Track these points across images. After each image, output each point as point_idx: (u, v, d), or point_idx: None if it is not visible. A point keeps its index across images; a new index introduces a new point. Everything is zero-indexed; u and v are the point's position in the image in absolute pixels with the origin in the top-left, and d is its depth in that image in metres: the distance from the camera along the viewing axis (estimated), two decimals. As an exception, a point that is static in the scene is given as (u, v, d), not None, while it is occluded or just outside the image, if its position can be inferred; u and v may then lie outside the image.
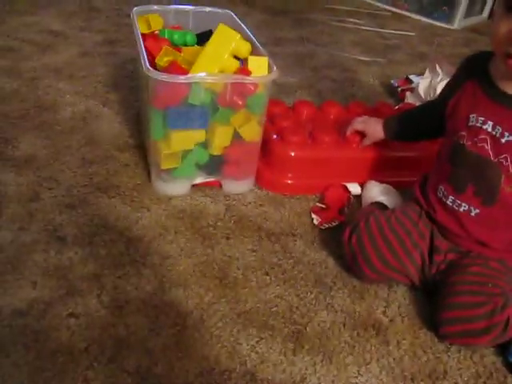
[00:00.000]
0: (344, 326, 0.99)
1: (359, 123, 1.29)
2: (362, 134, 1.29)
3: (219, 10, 1.48)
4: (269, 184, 1.30)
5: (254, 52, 1.22)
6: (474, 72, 1.01)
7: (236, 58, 1.17)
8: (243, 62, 1.18)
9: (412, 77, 1.85)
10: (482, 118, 0.97)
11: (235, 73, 1.15)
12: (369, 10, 2.84)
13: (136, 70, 1.60)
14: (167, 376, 0.86)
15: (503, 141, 0.94)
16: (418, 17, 2.82)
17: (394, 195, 1.23)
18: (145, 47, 1.19)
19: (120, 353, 0.89)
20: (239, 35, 1.16)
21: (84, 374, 0.85)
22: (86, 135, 1.43)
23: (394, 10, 2.89)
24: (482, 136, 0.97)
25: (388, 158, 1.29)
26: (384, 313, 1.03)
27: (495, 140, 0.95)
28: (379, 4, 2.95)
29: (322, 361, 0.92)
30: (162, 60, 1.20)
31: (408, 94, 1.75)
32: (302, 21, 2.52)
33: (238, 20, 1.40)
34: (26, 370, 0.85)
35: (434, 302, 1.01)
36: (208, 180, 1.27)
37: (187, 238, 1.13)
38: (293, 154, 1.26)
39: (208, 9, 1.49)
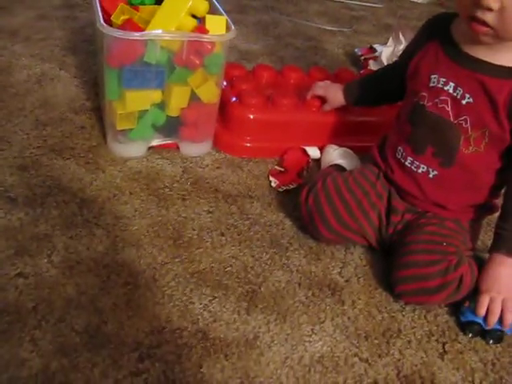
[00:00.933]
0: (299, 285, 0.98)
1: (320, 88, 1.27)
2: (322, 99, 1.27)
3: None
4: (227, 147, 1.28)
5: (213, 12, 1.19)
6: (436, 33, 1.00)
7: (194, 16, 1.15)
8: (201, 20, 1.15)
9: (376, 46, 1.84)
10: (444, 79, 0.96)
11: (192, 31, 1.12)
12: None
13: (94, 32, 1.56)
14: (117, 335, 0.85)
15: (464, 102, 0.94)
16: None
17: (353, 158, 1.22)
18: (100, 6, 1.16)
19: (69, 312, 0.87)
20: (196, -7, 1.14)
21: (31, 333, 0.83)
22: (41, 97, 1.39)
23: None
24: (443, 97, 0.96)
25: (348, 122, 1.28)
26: (340, 273, 1.02)
27: (456, 101, 0.95)
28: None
29: (275, 319, 0.91)
30: (118, 18, 1.16)
31: (371, 62, 1.74)
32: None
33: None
34: (-30, 330, 0.83)
35: (390, 261, 1.01)
36: (165, 142, 1.24)
37: (142, 199, 1.11)
38: (251, 117, 1.25)
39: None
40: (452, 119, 0.95)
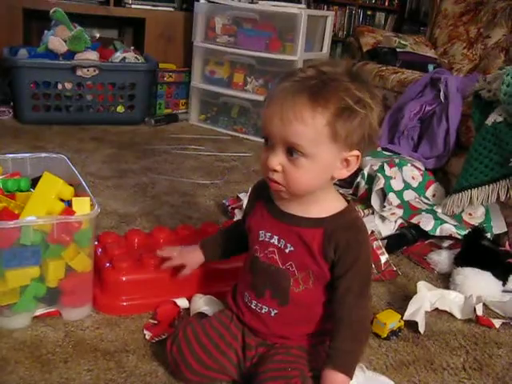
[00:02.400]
0: (170, 426, 1.11)
1: (176, 259, 1.40)
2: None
3: (54, 155, 1.65)
4: (105, 308, 1.43)
5: (81, 193, 1.39)
6: (261, 195, 1.22)
7: (62, 200, 1.34)
8: (69, 202, 1.34)
9: (241, 195, 2.08)
10: (269, 234, 1.17)
11: (61, 214, 1.30)
12: (211, 136, 3.13)
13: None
14: None
15: (287, 251, 1.15)
16: (254, 138, 3.12)
17: (217, 304, 1.40)
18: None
19: None
20: (61, 181, 1.33)
21: None
22: None
23: (233, 134, 3.20)
24: (271, 248, 1.17)
25: (209, 272, 1.47)
26: (208, 410, 1.16)
27: (281, 251, 1.16)
28: (220, 129, 3.25)
29: None
30: (-5, 208, 1.34)
31: (237, 211, 1.98)
32: (146, 151, 2.74)
33: (69, 163, 1.58)
34: None
35: (249, 392, 1.17)
36: (48, 310, 1.38)
37: (26, 366, 1.22)
38: (123, 279, 1.41)
39: (43, 154, 1.66)
40: (281, 266, 1.16)
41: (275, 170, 1.07)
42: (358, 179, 2.22)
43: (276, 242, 1.17)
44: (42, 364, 1.24)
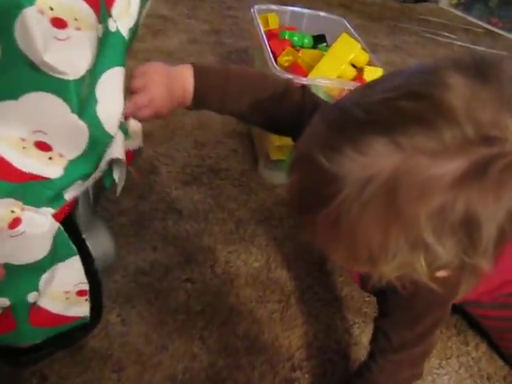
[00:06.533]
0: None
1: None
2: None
3: (333, 16, 1.58)
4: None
5: (370, 63, 1.31)
6: None
7: (354, 66, 1.27)
8: (360, 71, 1.28)
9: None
10: None
11: (352, 80, 1.25)
12: (462, 25, 2.89)
13: (244, 62, 1.72)
14: (272, 344, 0.98)
15: None
16: (510, 35, 2.85)
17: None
18: (268, 45, 1.31)
19: (231, 319, 1.01)
20: (359, 46, 1.26)
21: (200, 332, 0.97)
22: (198, 119, 1.55)
23: (487, 26, 2.93)
24: None
25: None
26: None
27: None
28: (472, 19, 2.99)
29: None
30: (284, 60, 1.31)
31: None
32: (396, 29, 2.60)
33: (351, 29, 1.50)
34: (150, 321, 0.98)
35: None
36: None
37: (290, 225, 1.24)
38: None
39: (322, 13, 1.60)
40: None
41: None
42: None
43: None
44: (305, 225, 1.25)
